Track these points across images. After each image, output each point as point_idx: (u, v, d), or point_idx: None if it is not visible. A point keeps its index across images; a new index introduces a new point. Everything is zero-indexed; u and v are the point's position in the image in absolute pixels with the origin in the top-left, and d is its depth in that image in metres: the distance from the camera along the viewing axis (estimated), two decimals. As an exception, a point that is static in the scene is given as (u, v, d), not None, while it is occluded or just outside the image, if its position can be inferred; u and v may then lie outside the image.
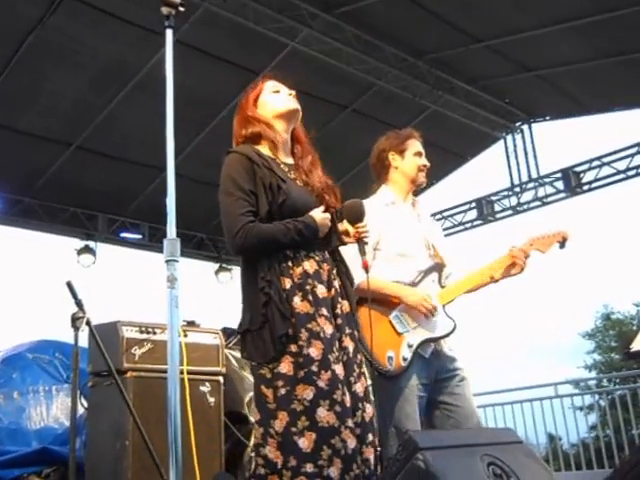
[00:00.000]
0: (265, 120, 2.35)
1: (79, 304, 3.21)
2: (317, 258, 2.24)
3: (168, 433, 1.71)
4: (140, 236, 9.58)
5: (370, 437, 2.14)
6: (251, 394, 3.89)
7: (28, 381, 4.56)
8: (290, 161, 2.38)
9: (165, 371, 1.86)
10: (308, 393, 2.03)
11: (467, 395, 2.78)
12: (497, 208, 10.14)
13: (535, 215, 9.83)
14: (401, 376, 2.63)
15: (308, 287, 2.16)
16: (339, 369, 2.10)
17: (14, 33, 6.54)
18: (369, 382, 2.29)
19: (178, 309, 1.81)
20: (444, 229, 9.85)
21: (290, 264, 2.18)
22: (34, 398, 4.50)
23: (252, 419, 2.18)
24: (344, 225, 2.37)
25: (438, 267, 2.84)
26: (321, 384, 2.03)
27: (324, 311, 2.15)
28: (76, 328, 3.21)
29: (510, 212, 10.01)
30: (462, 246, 10.44)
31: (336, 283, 2.27)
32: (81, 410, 3.64)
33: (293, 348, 2.08)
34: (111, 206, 9.23)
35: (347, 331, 2.23)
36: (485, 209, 10.13)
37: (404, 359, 2.63)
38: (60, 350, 4.78)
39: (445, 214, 10.45)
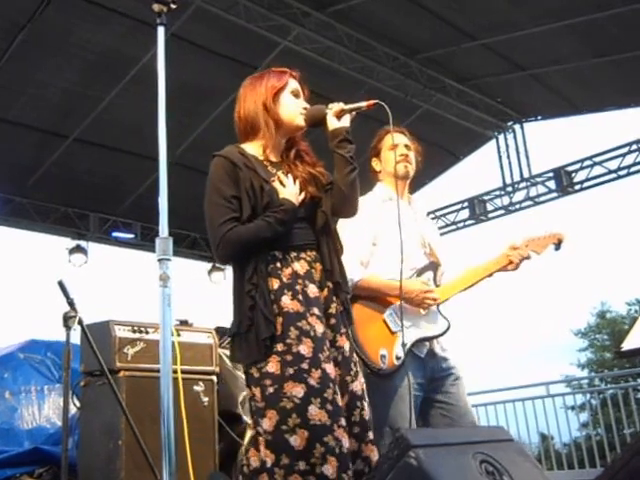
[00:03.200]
0: (276, 119, 2.28)
1: (71, 303, 3.19)
2: (308, 259, 2.23)
3: (161, 433, 1.70)
4: (132, 235, 9.55)
5: (370, 435, 2.16)
6: (244, 393, 3.89)
7: (20, 381, 4.53)
8: (277, 159, 2.32)
9: (158, 370, 1.85)
10: (299, 391, 2.02)
11: (461, 394, 2.79)
12: (489, 208, 10.17)
13: (527, 215, 9.89)
14: (395, 375, 2.63)
15: (298, 287, 2.15)
16: (329, 368, 2.10)
17: (8, 24, 6.52)
18: (362, 380, 2.29)
19: (171, 308, 1.81)
20: (436, 228, 9.86)
21: (279, 265, 2.17)
22: (26, 398, 4.47)
23: (246, 419, 2.17)
24: (330, 119, 2.31)
25: (433, 266, 2.84)
26: (312, 382, 2.03)
27: (315, 310, 2.15)
28: (68, 327, 3.19)
29: (502, 212, 10.04)
30: (454, 246, 10.46)
31: (329, 282, 2.25)
32: (73, 410, 3.62)
33: (280, 347, 2.08)
34: (103, 205, 9.20)
35: (342, 330, 2.24)
36: (477, 209, 10.15)
37: (397, 358, 2.63)
38: (52, 349, 4.75)
39: (437, 213, 10.45)
